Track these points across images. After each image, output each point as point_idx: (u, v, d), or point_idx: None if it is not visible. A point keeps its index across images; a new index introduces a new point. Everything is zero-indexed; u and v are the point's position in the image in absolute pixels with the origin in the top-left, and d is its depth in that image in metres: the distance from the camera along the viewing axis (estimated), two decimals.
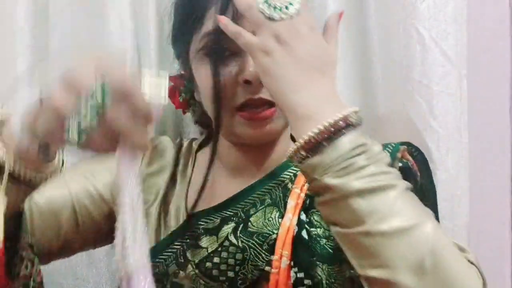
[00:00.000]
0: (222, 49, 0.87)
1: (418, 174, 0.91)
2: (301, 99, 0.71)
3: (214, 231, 0.88)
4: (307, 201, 0.88)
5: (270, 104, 0.87)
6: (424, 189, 0.93)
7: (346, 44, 1.17)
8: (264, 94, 0.86)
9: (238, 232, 0.88)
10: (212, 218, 0.90)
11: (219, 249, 0.87)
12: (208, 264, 0.86)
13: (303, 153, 0.70)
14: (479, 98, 1.17)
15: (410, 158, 0.91)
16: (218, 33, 0.83)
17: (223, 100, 0.87)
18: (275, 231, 0.87)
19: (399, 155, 0.89)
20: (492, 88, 1.20)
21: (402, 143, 0.92)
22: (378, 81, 1.15)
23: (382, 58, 1.14)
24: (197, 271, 0.87)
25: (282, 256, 0.84)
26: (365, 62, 1.17)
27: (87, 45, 1.19)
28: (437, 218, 0.94)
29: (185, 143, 1.05)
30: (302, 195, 0.89)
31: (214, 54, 0.87)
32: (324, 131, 0.69)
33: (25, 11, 1.18)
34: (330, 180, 0.69)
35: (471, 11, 1.12)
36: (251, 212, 0.89)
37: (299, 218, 0.87)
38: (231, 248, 0.86)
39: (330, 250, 0.84)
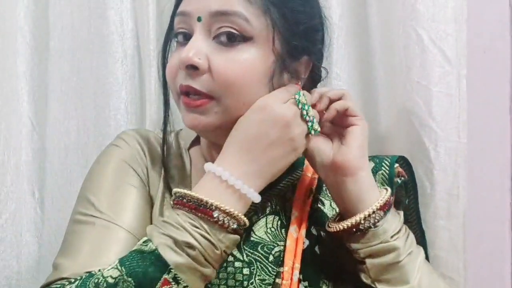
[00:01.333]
0: (179, 32, 0.88)
1: (406, 177, 0.99)
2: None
3: None
4: (314, 215, 0.89)
5: (207, 96, 0.84)
6: (406, 187, 1.00)
7: (348, 45, 1.17)
8: (194, 83, 0.84)
9: (242, 242, 0.85)
10: None
11: (224, 264, 0.84)
12: (215, 280, 0.84)
13: (381, 213, 0.82)
14: (478, 98, 1.16)
15: (401, 170, 0.98)
16: (179, 15, 0.86)
17: (171, 84, 0.88)
18: (279, 243, 0.87)
19: (396, 180, 0.97)
20: (491, 89, 1.20)
21: (394, 160, 0.97)
22: (379, 81, 1.16)
23: (382, 59, 1.15)
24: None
25: (294, 268, 0.84)
26: (366, 63, 1.18)
27: (87, 45, 1.19)
28: (418, 210, 1.03)
29: (171, 138, 0.99)
30: (307, 208, 0.89)
31: (170, 36, 0.91)
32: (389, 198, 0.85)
33: (25, 11, 1.18)
34: (398, 242, 0.83)
35: (470, 12, 1.11)
36: (253, 220, 0.88)
37: (309, 231, 0.88)
38: (237, 263, 0.85)
39: (336, 270, 0.87)
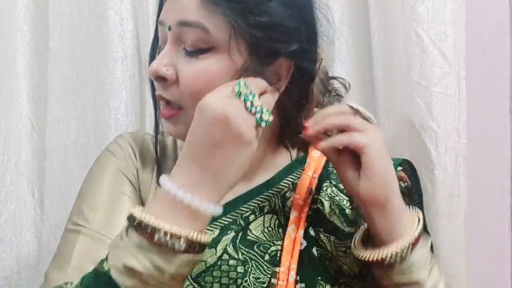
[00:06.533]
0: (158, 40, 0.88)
1: (409, 183, 0.95)
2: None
3: (213, 243, 0.84)
4: (313, 216, 0.88)
5: (177, 106, 0.84)
6: (410, 193, 0.96)
7: (348, 46, 1.18)
8: (165, 93, 0.84)
9: (238, 241, 0.85)
10: (211, 228, 0.85)
11: (219, 262, 0.84)
12: (208, 278, 0.83)
13: (411, 248, 0.79)
14: (478, 98, 1.17)
15: (404, 175, 0.94)
16: (158, 24, 0.86)
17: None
18: (276, 242, 0.86)
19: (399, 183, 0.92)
20: (491, 89, 1.20)
21: (397, 163, 0.93)
22: (379, 82, 1.16)
23: (382, 60, 1.15)
24: (195, 285, 0.84)
25: (290, 269, 0.84)
26: (366, 64, 1.18)
27: (87, 45, 1.19)
28: (423, 217, 0.97)
29: (169, 140, 0.97)
30: (306, 209, 0.89)
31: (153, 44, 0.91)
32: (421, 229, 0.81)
33: (25, 10, 1.18)
34: (422, 276, 0.80)
35: (469, 13, 1.12)
36: (251, 219, 0.88)
37: (307, 232, 0.87)
38: (232, 261, 0.84)
39: (332, 273, 0.86)
